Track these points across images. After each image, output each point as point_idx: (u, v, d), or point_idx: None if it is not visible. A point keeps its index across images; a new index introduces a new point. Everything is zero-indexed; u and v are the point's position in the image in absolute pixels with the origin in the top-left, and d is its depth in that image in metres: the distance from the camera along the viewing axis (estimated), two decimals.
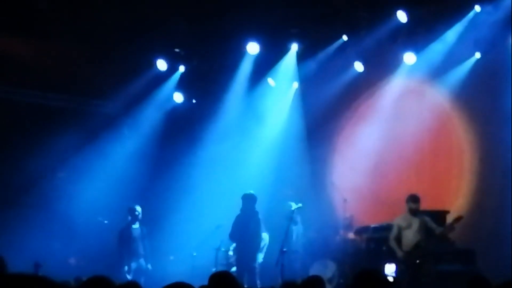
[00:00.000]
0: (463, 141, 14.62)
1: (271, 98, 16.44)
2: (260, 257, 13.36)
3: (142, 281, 12.34)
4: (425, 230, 11.88)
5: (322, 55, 15.29)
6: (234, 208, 13.37)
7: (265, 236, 13.66)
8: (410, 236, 11.91)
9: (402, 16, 13.90)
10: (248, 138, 16.15)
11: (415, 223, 11.93)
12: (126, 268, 13.42)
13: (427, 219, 12.00)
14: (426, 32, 14.06)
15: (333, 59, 15.23)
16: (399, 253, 11.89)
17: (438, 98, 14.88)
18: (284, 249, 12.25)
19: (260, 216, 13.24)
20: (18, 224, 14.29)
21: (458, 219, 11.70)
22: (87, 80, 15.65)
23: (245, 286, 12.08)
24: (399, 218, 12.19)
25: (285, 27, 15.25)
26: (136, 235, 13.81)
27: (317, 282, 7.71)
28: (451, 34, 13.87)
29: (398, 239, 12.00)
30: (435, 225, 11.93)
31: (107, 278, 4.64)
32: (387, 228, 13.18)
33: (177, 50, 16.19)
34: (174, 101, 16.87)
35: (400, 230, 12.03)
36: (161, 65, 16.13)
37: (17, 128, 14.94)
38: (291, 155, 16.35)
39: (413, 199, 12.10)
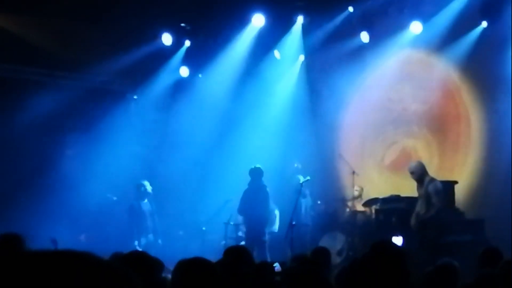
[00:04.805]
0: (470, 111, 14.54)
1: (277, 71, 16.37)
2: (275, 229, 13.44)
3: None
4: (427, 204, 11.70)
5: (328, 27, 15.19)
6: (243, 182, 13.37)
7: (276, 212, 13.70)
8: (417, 207, 11.90)
9: None
10: (255, 112, 16.10)
11: (421, 194, 11.80)
12: (136, 243, 13.49)
13: (432, 191, 11.65)
14: (433, 1, 13.93)
15: (339, 31, 15.13)
16: (411, 222, 11.94)
17: (445, 67, 14.79)
18: (293, 223, 12.25)
19: (268, 189, 13.24)
20: (27, 203, 14.33)
21: None
22: (93, 57, 15.58)
23: (255, 260, 12.11)
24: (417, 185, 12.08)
25: None
26: (145, 210, 13.87)
27: (324, 252, 7.82)
28: (458, 2, 13.73)
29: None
30: (436, 200, 11.67)
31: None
32: (395, 199, 13.18)
33: (182, 24, 16.12)
34: (180, 75, 16.82)
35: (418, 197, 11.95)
36: (167, 40, 16.07)
37: (24, 106, 14.92)
38: (298, 128, 16.32)
39: (408, 171, 12.01)
